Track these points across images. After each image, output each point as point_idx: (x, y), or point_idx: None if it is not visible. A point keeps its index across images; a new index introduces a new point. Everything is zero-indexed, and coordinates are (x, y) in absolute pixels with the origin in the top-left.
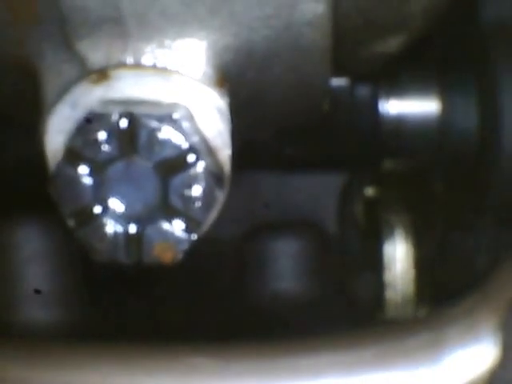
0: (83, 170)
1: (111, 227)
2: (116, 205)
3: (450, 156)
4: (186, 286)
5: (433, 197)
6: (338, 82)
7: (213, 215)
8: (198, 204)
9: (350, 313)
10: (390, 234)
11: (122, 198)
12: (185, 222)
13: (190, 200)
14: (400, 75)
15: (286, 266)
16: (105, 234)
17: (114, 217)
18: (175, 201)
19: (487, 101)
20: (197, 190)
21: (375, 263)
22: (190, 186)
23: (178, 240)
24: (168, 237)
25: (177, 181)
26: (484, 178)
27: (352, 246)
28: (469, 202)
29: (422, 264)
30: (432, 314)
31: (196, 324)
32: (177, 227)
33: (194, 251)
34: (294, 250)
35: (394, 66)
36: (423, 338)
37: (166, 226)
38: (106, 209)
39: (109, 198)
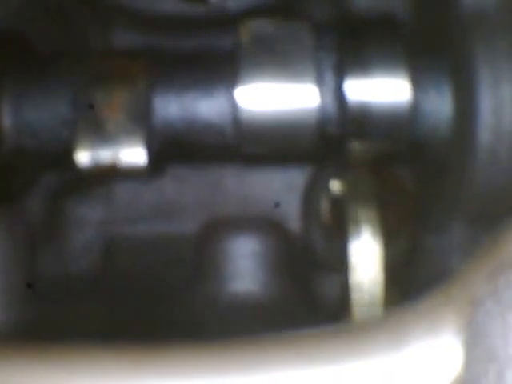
0: None
1: None
2: None
3: (420, 148)
4: (138, 283)
5: (403, 193)
6: None
7: None
8: None
9: (313, 315)
10: (357, 231)
11: None
12: None
13: None
14: (366, 54)
15: (245, 265)
16: None
17: None
18: None
19: (462, 91)
20: None
21: (341, 263)
22: None
23: None
24: None
25: None
26: (458, 174)
27: (316, 244)
28: (441, 198)
29: (391, 264)
30: (391, 314)
31: (148, 324)
32: None
33: (148, 248)
34: (255, 248)
35: (360, 44)
36: (381, 339)
37: None
38: None
39: None
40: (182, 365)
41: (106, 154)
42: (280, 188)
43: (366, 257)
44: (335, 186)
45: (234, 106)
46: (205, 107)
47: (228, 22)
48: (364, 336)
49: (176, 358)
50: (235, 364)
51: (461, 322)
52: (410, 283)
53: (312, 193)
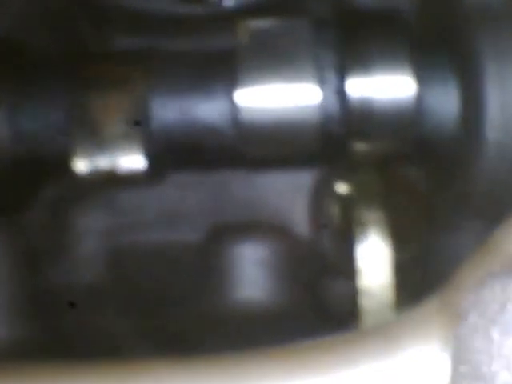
0: None
1: None
2: None
3: (427, 146)
4: (144, 292)
5: (412, 192)
6: None
7: None
8: None
9: (321, 322)
10: (366, 234)
11: None
12: None
13: None
14: (369, 50)
15: (251, 271)
16: None
17: None
18: None
19: (469, 87)
20: None
21: (349, 267)
22: None
23: None
24: None
25: None
26: (466, 171)
27: (323, 248)
28: (450, 197)
29: (401, 267)
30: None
31: (153, 333)
32: None
33: (153, 256)
34: (260, 254)
35: (362, 40)
36: (372, 348)
37: None
38: None
39: None
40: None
41: (104, 161)
42: (285, 191)
43: (374, 260)
44: (341, 187)
45: (234, 107)
46: (204, 109)
47: (226, 21)
48: (353, 345)
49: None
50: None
51: (448, 333)
52: (421, 286)
53: (318, 195)
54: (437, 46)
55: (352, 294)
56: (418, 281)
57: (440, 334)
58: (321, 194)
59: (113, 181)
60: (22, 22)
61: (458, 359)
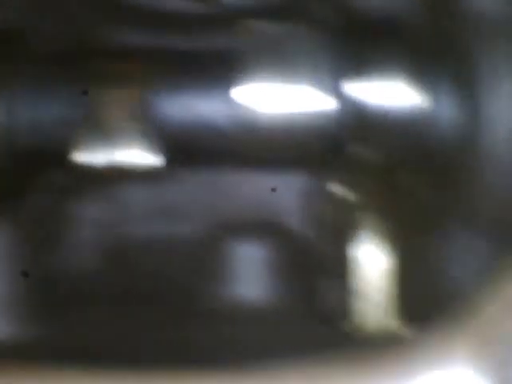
0: None
1: None
2: None
3: (423, 153)
4: (141, 286)
5: (407, 197)
6: None
7: None
8: None
9: (315, 323)
10: (363, 239)
11: None
12: None
13: None
14: (369, 56)
15: (248, 270)
16: None
17: None
18: None
19: (467, 99)
20: None
21: (345, 270)
22: None
23: None
24: None
25: None
26: (463, 183)
27: (320, 250)
28: (444, 206)
29: (394, 270)
30: (401, 340)
31: (152, 331)
32: None
33: (150, 250)
34: (255, 252)
35: (363, 46)
36: (391, 367)
37: None
38: None
39: None
40: None
41: (103, 155)
42: (283, 192)
43: (371, 265)
44: (338, 190)
45: (235, 108)
46: (205, 108)
47: (228, 20)
48: (373, 364)
49: None
50: None
51: (474, 357)
52: (418, 293)
53: (314, 197)
54: (437, 54)
55: (347, 297)
56: (414, 288)
57: (464, 353)
58: (319, 195)
59: (111, 175)
60: (22, 11)
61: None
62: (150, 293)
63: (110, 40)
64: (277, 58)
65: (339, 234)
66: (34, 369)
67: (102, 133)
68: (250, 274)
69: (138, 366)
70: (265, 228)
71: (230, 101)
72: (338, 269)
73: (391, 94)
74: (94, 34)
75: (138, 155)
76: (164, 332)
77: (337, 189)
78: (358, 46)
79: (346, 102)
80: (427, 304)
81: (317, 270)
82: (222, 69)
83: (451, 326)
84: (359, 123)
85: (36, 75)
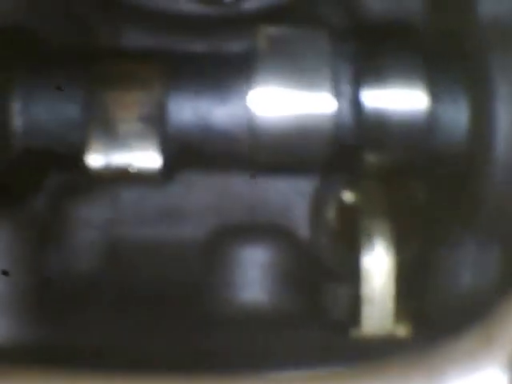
0: None
1: None
2: None
3: (436, 160)
4: (141, 287)
5: (416, 204)
6: None
7: None
8: None
9: (322, 328)
10: (369, 242)
11: None
12: None
13: None
14: (384, 63)
15: (253, 273)
16: None
17: None
18: None
19: (479, 102)
20: None
21: (351, 274)
22: None
23: None
24: None
25: None
26: (473, 190)
27: (326, 254)
28: (455, 213)
29: (402, 277)
30: (429, 351)
31: (153, 333)
32: None
33: (153, 252)
34: (263, 257)
35: (378, 53)
36: (421, 375)
37: None
38: None
39: None
40: None
41: (117, 158)
42: (290, 195)
43: (377, 268)
44: (347, 195)
45: (248, 112)
46: (219, 113)
47: (243, 24)
48: (403, 373)
49: None
50: None
51: (503, 363)
52: (422, 296)
53: (323, 201)
54: (449, 61)
55: (353, 300)
56: (419, 290)
57: (494, 358)
58: (325, 199)
59: (124, 177)
60: (37, 11)
61: None
62: (151, 294)
63: (128, 42)
64: (293, 65)
65: (346, 239)
66: (34, 369)
67: (115, 136)
68: (253, 276)
69: (138, 366)
70: (271, 232)
71: (244, 106)
72: (346, 274)
73: (405, 101)
74: (110, 37)
75: (148, 157)
76: (164, 333)
77: (346, 194)
78: (373, 54)
79: (361, 109)
80: (435, 310)
81: (324, 274)
82: (237, 73)
83: (479, 334)
84: (373, 130)
85: (50, 76)
